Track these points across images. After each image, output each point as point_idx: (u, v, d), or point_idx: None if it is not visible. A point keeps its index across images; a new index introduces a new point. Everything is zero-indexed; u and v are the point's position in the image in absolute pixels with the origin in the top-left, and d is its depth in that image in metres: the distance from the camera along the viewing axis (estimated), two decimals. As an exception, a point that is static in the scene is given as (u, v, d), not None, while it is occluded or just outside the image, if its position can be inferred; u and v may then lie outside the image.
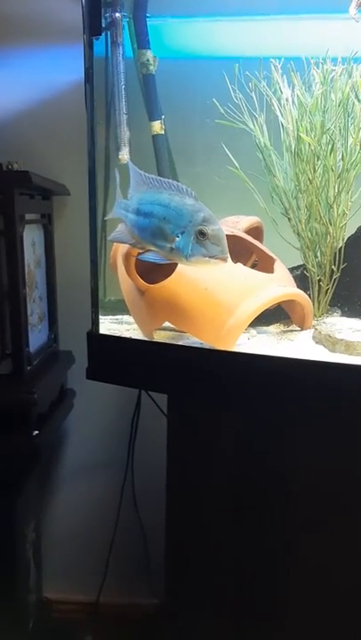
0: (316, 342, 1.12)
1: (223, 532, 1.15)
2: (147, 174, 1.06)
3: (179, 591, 1.22)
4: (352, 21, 1.09)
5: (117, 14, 1.31)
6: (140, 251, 1.09)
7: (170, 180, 1.03)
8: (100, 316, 1.31)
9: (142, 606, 1.83)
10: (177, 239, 0.99)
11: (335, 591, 1.07)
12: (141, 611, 1.82)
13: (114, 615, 1.84)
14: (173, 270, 1.17)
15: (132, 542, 1.82)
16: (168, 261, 1.04)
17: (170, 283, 1.17)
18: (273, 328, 1.28)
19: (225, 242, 0.98)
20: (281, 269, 1.21)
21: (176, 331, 1.25)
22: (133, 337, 1.21)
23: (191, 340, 1.18)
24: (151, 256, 1.06)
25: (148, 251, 1.07)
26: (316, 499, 1.07)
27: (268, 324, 1.28)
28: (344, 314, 1.24)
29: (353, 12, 1.05)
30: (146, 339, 1.19)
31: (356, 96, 1.11)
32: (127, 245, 1.18)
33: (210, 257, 0.97)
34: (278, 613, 1.13)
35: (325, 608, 1.09)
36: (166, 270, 1.19)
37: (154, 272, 1.23)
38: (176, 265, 1.17)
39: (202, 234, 0.97)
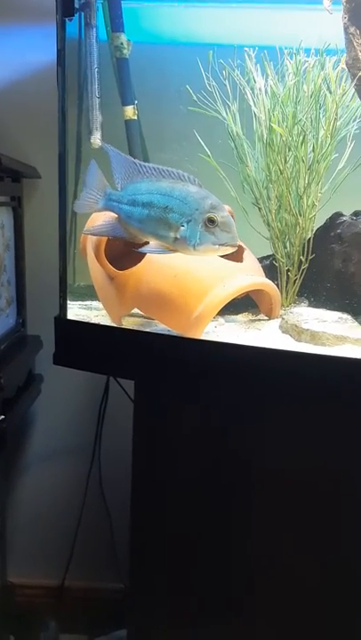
0: (283, 332, 1.13)
1: (187, 519, 1.16)
2: (142, 163, 1.02)
3: (142, 576, 1.23)
4: (326, 13, 1.09)
5: (92, -5, 1.29)
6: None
7: (170, 169, 0.99)
8: (69, 302, 1.31)
9: (108, 590, 1.84)
10: (182, 228, 0.96)
11: (298, 581, 1.10)
12: (107, 595, 1.83)
13: (79, 599, 1.85)
14: (143, 257, 1.17)
15: (98, 527, 1.83)
16: (170, 252, 1.01)
17: (139, 269, 1.17)
18: (242, 317, 1.28)
19: (235, 228, 0.96)
20: (250, 259, 1.22)
21: (145, 317, 1.25)
22: (101, 323, 1.21)
23: (159, 326, 1.18)
24: (152, 248, 1.02)
25: (145, 243, 1.03)
26: (282, 486, 1.09)
27: (236, 312, 1.29)
28: (311, 304, 1.26)
29: (327, 4, 1.06)
30: (114, 325, 1.19)
31: (328, 88, 1.11)
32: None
33: (220, 245, 0.95)
34: (240, 599, 1.15)
35: (287, 592, 1.11)
36: (136, 257, 1.19)
37: (124, 258, 1.22)
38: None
39: (211, 221, 0.94)
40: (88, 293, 1.35)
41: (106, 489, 1.82)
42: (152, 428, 1.18)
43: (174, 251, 1.00)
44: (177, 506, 1.17)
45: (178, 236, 0.97)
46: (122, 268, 1.20)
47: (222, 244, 0.95)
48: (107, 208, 1.07)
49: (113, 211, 1.06)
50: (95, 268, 1.22)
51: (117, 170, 1.05)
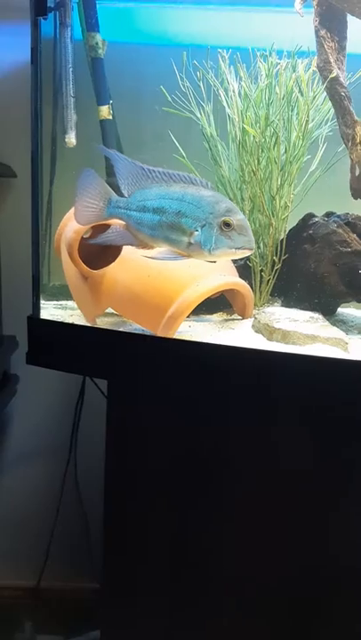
0: (256, 331, 1.14)
1: (161, 518, 1.17)
2: (150, 167, 0.99)
3: (115, 576, 1.23)
4: (298, 16, 1.10)
5: (66, -5, 1.29)
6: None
7: (180, 173, 0.97)
8: (44, 301, 1.30)
9: (84, 591, 1.84)
10: (196, 233, 0.95)
11: (268, 578, 1.11)
12: (83, 596, 1.83)
13: (55, 600, 1.85)
14: (117, 257, 1.17)
15: (74, 528, 1.82)
16: (184, 258, 0.99)
17: (113, 269, 1.17)
18: (216, 316, 1.29)
19: (250, 231, 0.94)
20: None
21: (120, 317, 1.26)
22: (76, 322, 1.21)
23: (133, 326, 1.18)
24: (165, 254, 1.00)
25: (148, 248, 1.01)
26: (252, 484, 1.09)
27: (211, 312, 1.29)
28: (284, 304, 1.27)
29: (298, 7, 1.07)
30: (87, 324, 1.19)
31: (300, 90, 1.13)
32: (72, 230, 1.17)
33: (236, 248, 0.94)
34: (213, 598, 1.15)
35: (260, 592, 1.12)
36: (110, 257, 1.19)
37: (98, 258, 1.22)
38: (119, 251, 1.17)
39: (227, 225, 0.92)
40: (63, 293, 1.35)
41: (82, 489, 1.82)
42: (125, 427, 1.18)
43: (188, 256, 0.98)
44: (150, 505, 1.17)
45: (192, 241, 0.96)
46: (96, 267, 1.20)
47: (239, 248, 0.94)
48: (113, 216, 1.03)
49: (121, 218, 1.03)
50: (69, 268, 1.22)
51: (123, 176, 1.01)
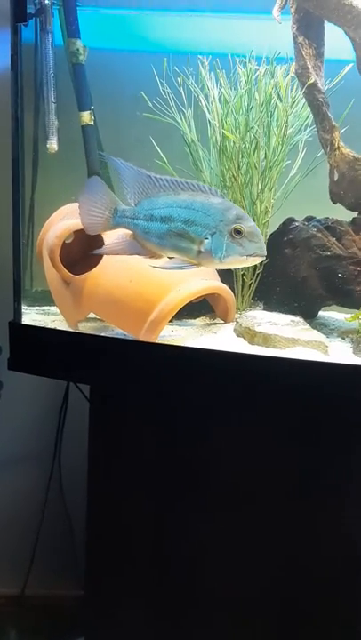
0: (238, 335, 1.15)
1: (143, 522, 1.17)
2: (157, 176, 0.98)
3: (98, 583, 1.23)
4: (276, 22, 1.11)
5: (47, 1, 1.29)
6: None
7: (188, 180, 0.96)
8: (27, 307, 1.30)
9: (69, 598, 1.82)
10: (206, 241, 0.94)
11: (252, 585, 1.11)
12: (68, 603, 1.82)
13: (39, 607, 1.83)
14: (99, 262, 1.17)
15: (59, 534, 1.81)
16: (194, 267, 0.98)
17: (94, 274, 1.18)
18: (199, 321, 1.30)
19: (262, 237, 0.94)
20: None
21: (102, 322, 1.26)
22: (58, 328, 1.21)
23: (116, 331, 1.19)
24: (174, 264, 0.99)
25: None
26: (236, 486, 1.10)
27: (194, 316, 1.30)
28: (266, 308, 1.28)
29: (276, 14, 1.08)
30: (69, 329, 1.19)
31: (279, 96, 1.14)
32: (54, 235, 1.17)
33: (248, 255, 0.93)
34: (195, 606, 1.15)
35: (242, 599, 1.12)
36: (92, 262, 1.19)
37: (80, 263, 1.22)
38: (101, 257, 1.17)
39: (238, 232, 0.92)
40: (45, 298, 1.35)
41: (67, 495, 1.81)
42: (107, 431, 1.18)
43: (197, 265, 0.98)
44: (133, 510, 1.17)
45: (202, 249, 0.95)
46: (78, 272, 1.20)
47: (250, 255, 0.93)
48: (120, 226, 1.02)
49: (128, 228, 1.02)
50: (51, 273, 1.22)
51: (130, 184, 1.00)
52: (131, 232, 1.02)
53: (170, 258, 1.01)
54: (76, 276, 1.18)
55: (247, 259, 0.94)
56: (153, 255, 1.02)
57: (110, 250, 1.05)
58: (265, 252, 0.94)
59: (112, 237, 1.06)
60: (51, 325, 1.23)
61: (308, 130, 1.23)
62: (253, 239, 0.93)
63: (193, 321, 1.29)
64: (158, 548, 1.16)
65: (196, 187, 0.95)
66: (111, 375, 1.11)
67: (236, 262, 0.95)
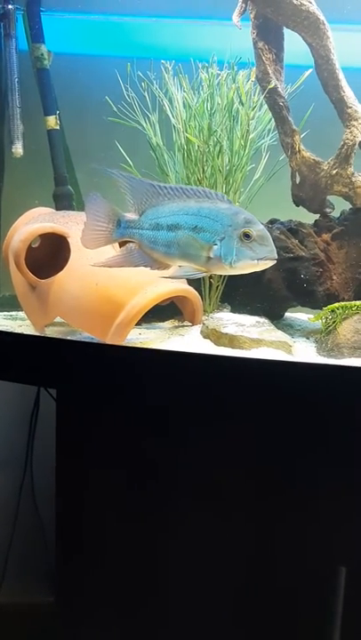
0: (204, 337, 1.16)
1: (113, 528, 1.16)
2: (161, 184, 0.96)
3: (70, 587, 1.22)
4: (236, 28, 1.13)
5: (10, 6, 1.30)
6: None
7: (194, 187, 0.96)
8: (-6, 312, 1.30)
9: (42, 605, 1.81)
10: (215, 247, 0.93)
11: (225, 589, 1.11)
12: (41, 610, 1.80)
13: (12, 615, 1.81)
14: (65, 266, 1.17)
15: (32, 540, 1.80)
16: (204, 274, 0.97)
17: (60, 278, 1.17)
18: (167, 324, 1.30)
19: (271, 240, 0.93)
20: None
21: (70, 326, 1.26)
22: (25, 332, 1.20)
23: (83, 335, 1.19)
24: (183, 272, 0.98)
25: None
26: (202, 489, 1.10)
27: (163, 319, 1.31)
28: (233, 310, 1.29)
29: (236, 20, 1.10)
30: (35, 334, 1.19)
31: (241, 100, 1.15)
32: (19, 239, 1.17)
33: (258, 259, 0.91)
34: (162, 610, 1.15)
35: (213, 601, 1.13)
36: (58, 266, 1.19)
37: (46, 267, 1.22)
38: (67, 261, 1.17)
39: (247, 236, 0.90)
40: (12, 304, 1.35)
41: (39, 501, 1.79)
42: (75, 435, 1.18)
43: (207, 272, 0.96)
44: (103, 515, 1.17)
45: (211, 256, 0.93)
46: (45, 277, 1.20)
47: (261, 259, 0.92)
48: (125, 237, 1.00)
49: (133, 238, 1.00)
50: (17, 277, 1.21)
51: (133, 195, 0.98)
52: (136, 243, 1.00)
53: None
54: (42, 280, 1.18)
55: (258, 263, 0.92)
56: (160, 265, 1.01)
57: (115, 262, 1.02)
58: (276, 255, 0.92)
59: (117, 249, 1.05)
60: (18, 330, 1.23)
61: (272, 134, 1.26)
62: (264, 242, 0.91)
63: (161, 324, 1.30)
64: (128, 550, 1.16)
65: (203, 193, 0.94)
66: (78, 379, 1.11)
67: (248, 267, 0.93)
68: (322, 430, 0.99)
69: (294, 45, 1.15)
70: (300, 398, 0.96)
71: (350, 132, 1.12)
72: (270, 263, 0.93)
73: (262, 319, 1.17)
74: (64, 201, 1.42)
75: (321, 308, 1.15)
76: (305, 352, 1.11)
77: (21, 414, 1.75)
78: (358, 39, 1.43)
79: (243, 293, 1.24)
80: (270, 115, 1.20)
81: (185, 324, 1.28)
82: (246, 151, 1.20)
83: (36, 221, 1.22)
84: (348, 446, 1.00)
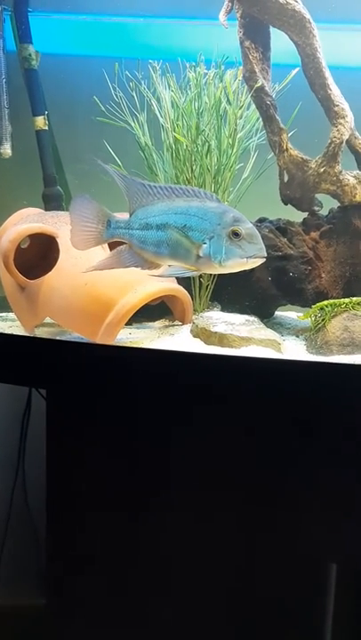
0: (194, 336, 1.16)
1: (104, 526, 1.16)
2: (151, 184, 0.96)
3: (60, 590, 1.22)
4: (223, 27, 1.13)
5: (-3, 7, 1.30)
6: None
7: (183, 186, 0.96)
8: (-16, 313, 1.30)
9: (35, 607, 1.81)
10: (204, 246, 0.92)
11: (214, 587, 1.11)
12: (33, 612, 1.80)
13: (4, 616, 1.81)
14: (54, 266, 1.17)
15: (25, 542, 1.80)
16: (194, 273, 0.97)
17: (49, 278, 1.17)
18: (158, 323, 1.31)
19: (261, 239, 0.92)
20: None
21: (59, 327, 1.26)
22: (15, 333, 1.20)
23: (73, 335, 1.19)
24: (173, 271, 0.98)
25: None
26: (194, 487, 1.10)
27: (153, 319, 1.31)
28: (223, 309, 1.29)
29: (223, 19, 1.10)
30: (25, 334, 1.19)
31: (228, 100, 1.16)
32: (8, 240, 1.17)
33: (248, 257, 0.91)
34: (153, 611, 1.15)
35: (201, 603, 1.13)
36: (48, 267, 1.19)
37: (35, 267, 1.22)
38: (56, 261, 1.17)
39: (236, 234, 0.90)
40: (4, 305, 1.34)
41: (31, 502, 1.79)
42: (65, 435, 1.18)
43: (197, 270, 0.96)
44: (93, 515, 1.17)
45: (200, 254, 0.93)
46: (35, 277, 1.20)
47: (250, 257, 0.91)
48: (114, 237, 1.00)
49: (123, 239, 1.00)
50: (6, 278, 1.21)
51: (125, 194, 0.98)
52: (126, 243, 1.00)
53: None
54: (31, 281, 1.18)
55: (247, 261, 0.92)
56: (150, 265, 1.01)
57: (106, 264, 1.02)
58: (265, 253, 0.92)
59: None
60: (8, 331, 1.23)
61: (261, 133, 1.26)
62: (253, 241, 0.91)
63: (152, 324, 1.30)
64: (119, 550, 1.16)
65: (192, 192, 0.94)
66: (68, 379, 1.11)
67: (237, 265, 0.93)
68: (310, 426, 0.99)
69: (282, 44, 1.16)
70: (288, 395, 0.96)
71: (337, 130, 1.13)
72: (259, 261, 0.93)
73: (252, 318, 1.18)
74: (53, 202, 1.42)
75: (310, 306, 1.15)
76: (294, 350, 1.11)
77: (13, 415, 1.75)
78: (346, 38, 1.43)
79: (232, 292, 1.25)
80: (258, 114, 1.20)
81: (175, 323, 1.28)
82: (234, 150, 1.20)
83: (24, 222, 1.22)
84: (337, 442, 1.00)
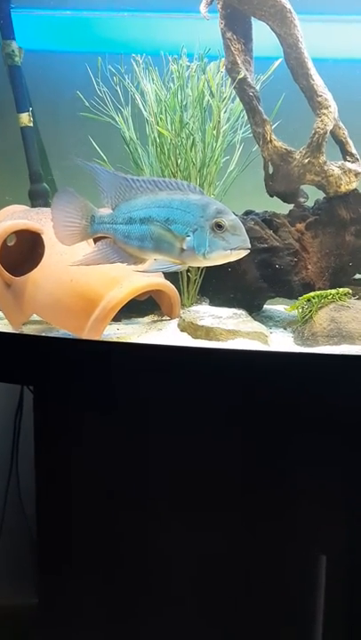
0: (182, 330, 1.16)
1: (94, 526, 1.16)
2: (134, 177, 0.96)
3: (51, 591, 1.22)
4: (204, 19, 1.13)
5: (-22, 3, 1.29)
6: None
7: (166, 179, 0.95)
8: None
9: (29, 607, 1.80)
10: (188, 238, 0.92)
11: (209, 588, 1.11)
12: (27, 612, 1.79)
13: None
14: (39, 263, 1.17)
15: (18, 542, 1.79)
16: (179, 267, 0.96)
17: (35, 275, 1.16)
18: (146, 319, 1.30)
19: (244, 230, 0.92)
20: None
21: (47, 324, 1.25)
22: (1, 331, 1.20)
23: (61, 332, 1.18)
24: (158, 265, 0.97)
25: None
26: (184, 483, 1.10)
27: (142, 315, 1.30)
28: (212, 303, 1.29)
29: (204, 11, 1.10)
30: (14, 331, 1.18)
31: (211, 93, 1.15)
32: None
33: (232, 249, 0.91)
34: (147, 612, 1.15)
35: (194, 602, 1.12)
36: (34, 264, 1.18)
37: (21, 264, 1.22)
38: (41, 258, 1.17)
39: (219, 226, 0.90)
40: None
41: (25, 501, 1.78)
42: (53, 432, 1.18)
43: (182, 263, 0.96)
44: (83, 513, 1.16)
45: (184, 247, 0.93)
46: (19, 274, 1.19)
47: (234, 249, 0.91)
48: (99, 232, 1.00)
49: (107, 234, 0.99)
50: (-8, 275, 1.21)
51: (106, 189, 0.98)
52: (111, 238, 0.99)
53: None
54: (17, 278, 1.17)
55: (231, 253, 0.92)
56: (135, 261, 1.00)
57: (90, 260, 1.01)
58: (249, 245, 0.91)
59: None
60: (-5, 329, 1.22)
61: (247, 126, 1.25)
62: (236, 232, 0.91)
63: (140, 319, 1.29)
64: (110, 550, 1.16)
65: (175, 185, 0.94)
66: (56, 375, 1.10)
67: (221, 257, 0.92)
68: (298, 418, 0.99)
69: (267, 37, 1.15)
70: (274, 386, 0.96)
71: (321, 121, 1.12)
72: (243, 253, 0.92)
73: (239, 311, 1.17)
74: (40, 199, 1.41)
75: (297, 298, 1.15)
76: (281, 342, 1.11)
77: (6, 413, 1.74)
78: (335, 31, 1.43)
79: (220, 286, 1.24)
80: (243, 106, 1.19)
81: (164, 318, 1.28)
82: (219, 143, 1.20)
83: (9, 219, 1.21)
84: (325, 433, 1.00)
